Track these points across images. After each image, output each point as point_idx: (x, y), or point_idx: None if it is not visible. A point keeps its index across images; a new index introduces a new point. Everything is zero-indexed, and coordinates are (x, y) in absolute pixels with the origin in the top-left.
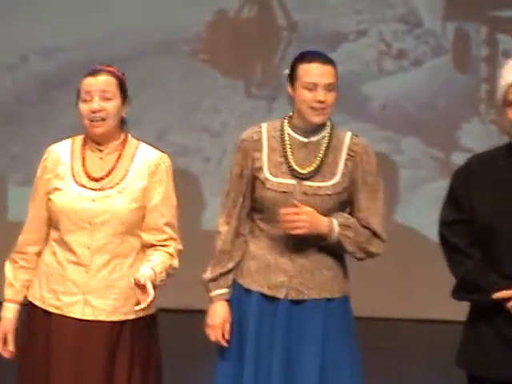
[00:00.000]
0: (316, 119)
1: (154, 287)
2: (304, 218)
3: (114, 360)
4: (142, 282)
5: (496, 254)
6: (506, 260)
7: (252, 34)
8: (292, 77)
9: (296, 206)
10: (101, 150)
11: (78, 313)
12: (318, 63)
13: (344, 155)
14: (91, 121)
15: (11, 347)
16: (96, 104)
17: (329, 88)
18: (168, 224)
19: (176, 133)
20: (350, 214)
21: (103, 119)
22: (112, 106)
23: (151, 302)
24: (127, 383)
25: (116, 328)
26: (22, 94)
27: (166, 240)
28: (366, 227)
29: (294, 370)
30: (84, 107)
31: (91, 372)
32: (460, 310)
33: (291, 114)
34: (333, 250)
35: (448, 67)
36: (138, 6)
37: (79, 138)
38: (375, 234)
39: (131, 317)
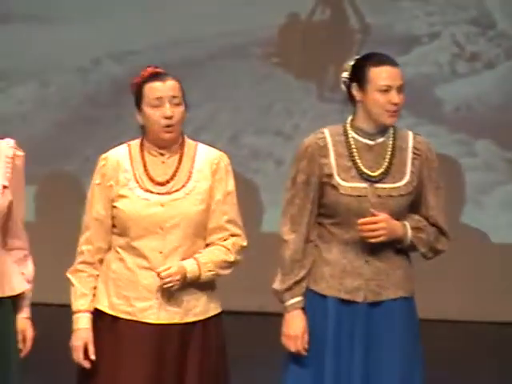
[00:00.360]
0: (389, 121)
1: (199, 278)
2: (382, 226)
3: (186, 360)
4: (159, 270)
5: None
6: None
7: (324, 37)
8: (359, 80)
9: (373, 214)
10: (162, 154)
11: (152, 318)
12: (389, 66)
13: (410, 155)
14: (165, 126)
15: (93, 356)
16: (169, 110)
17: (400, 90)
18: (230, 221)
19: (248, 136)
20: (417, 211)
21: (174, 125)
22: (181, 111)
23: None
24: (199, 382)
25: (188, 329)
26: (94, 97)
27: (227, 237)
28: (433, 225)
29: (375, 370)
30: (155, 113)
31: (167, 374)
32: None
33: (351, 117)
34: (403, 250)
35: None
36: (210, 10)
37: (135, 143)
38: (442, 232)
39: (202, 317)
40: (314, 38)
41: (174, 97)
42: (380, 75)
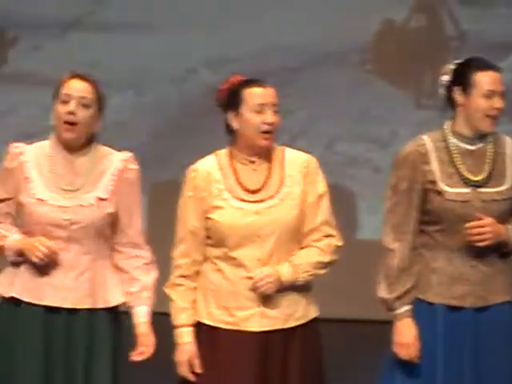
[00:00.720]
0: (490, 127)
1: (296, 280)
2: (489, 230)
3: (288, 364)
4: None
5: None
6: None
7: (420, 44)
8: (463, 83)
9: (480, 218)
10: (253, 162)
11: (255, 326)
12: (493, 71)
13: (510, 159)
14: (264, 132)
15: (198, 370)
16: (270, 117)
17: (502, 95)
18: (324, 222)
19: (344, 143)
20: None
21: (273, 132)
22: (279, 119)
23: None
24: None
25: (289, 334)
26: (190, 105)
27: (321, 238)
28: None
29: (486, 374)
30: (256, 118)
31: (271, 379)
32: None
33: (451, 122)
34: (506, 254)
35: None
36: (305, 17)
37: (223, 153)
38: None
39: (303, 321)
40: (410, 44)
41: (274, 104)
42: (485, 80)
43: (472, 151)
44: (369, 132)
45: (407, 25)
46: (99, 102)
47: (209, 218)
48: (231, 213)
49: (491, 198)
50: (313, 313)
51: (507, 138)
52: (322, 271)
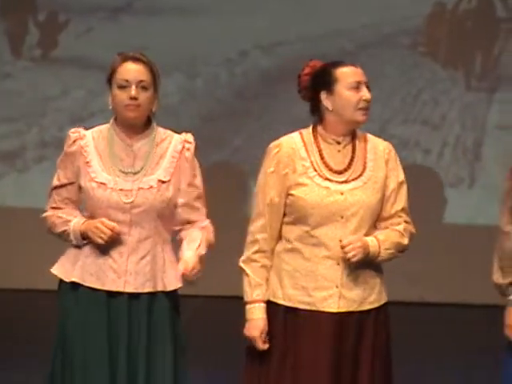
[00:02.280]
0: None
1: (378, 255)
2: None
3: (361, 346)
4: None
5: None
6: None
7: (471, 26)
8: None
9: None
10: (339, 143)
11: (333, 306)
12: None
13: None
14: (361, 109)
15: (266, 345)
16: (367, 93)
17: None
18: (403, 209)
19: (397, 126)
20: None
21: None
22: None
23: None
24: (371, 369)
25: (363, 317)
26: (242, 88)
27: (400, 222)
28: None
29: None
30: (355, 96)
31: (345, 360)
32: None
33: None
34: None
35: None
36: (357, 1)
37: (307, 131)
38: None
39: (376, 305)
40: (461, 27)
41: (366, 82)
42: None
43: None
44: (419, 114)
45: (458, 7)
46: (155, 82)
47: (291, 195)
48: (316, 191)
49: None
50: (385, 297)
51: None
52: (400, 254)
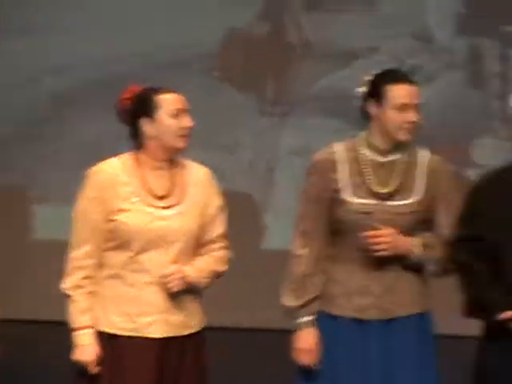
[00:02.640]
0: (404, 138)
1: (198, 283)
2: (386, 240)
3: (181, 371)
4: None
5: (504, 271)
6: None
7: (265, 51)
8: (376, 96)
9: (376, 228)
10: (160, 168)
11: (157, 332)
12: (406, 84)
13: (422, 173)
14: (182, 136)
15: (96, 370)
16: (188, 121)
17: (417, 108)
18: (222, 235)
19: (192, 150)
20: (430, 230)
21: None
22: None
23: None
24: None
25: (185, 341)
26: (35, 112)
27: (218, 249)
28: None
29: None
30: (175, 123)
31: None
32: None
33: (364, 132)
34: (415, 266)
35: (461, 83)
36: (149, 25)
37: (126, 157)
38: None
39: (198, 329)
40: (254, 52)
41: (187, 109)
42: (398, 93)
43: (383, 163)
44: (214, 139)
45: (252, 32)
46: None
47: (114, 220)
48: (139, 216)
49: (396, 211)
50: (203, 321)
51: (422, 151)
52: (215, 280)
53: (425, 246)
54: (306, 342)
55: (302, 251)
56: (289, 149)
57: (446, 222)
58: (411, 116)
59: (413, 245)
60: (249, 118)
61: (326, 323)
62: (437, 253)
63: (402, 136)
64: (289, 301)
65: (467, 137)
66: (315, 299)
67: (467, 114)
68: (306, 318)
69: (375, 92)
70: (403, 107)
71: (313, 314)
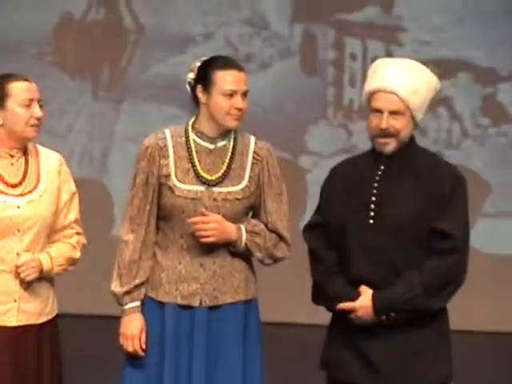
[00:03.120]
0: (233, 124)
1: (51, 271)
2: (212, 226)
3: (42, 359)
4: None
5: (347, 254)
6: (354, 258)
7: (99, 37)
8: (204, 82)
9: (203, 214)
10: (12, 156)
11: (12, 320)
12: (235, 70)
13: (250, 159)
14: (33, 126)
15: None
16: (38, 110)
17: (245, 95)
18: (76, 220)
19: None
20: (257, 217)
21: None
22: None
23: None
24: (52, 380)
25: (42, 329)
26: None
27: (72, 235)
28: (273, 231)
29: (216, 374)
30: (25, 113)
31: (29, 375)
32: None
33: (193, 119)
34: (242, 254)
35: (295, 70)
36: None
37: None
38: (281, 238)
39: (51, 316)
40: (89, 37)
41: (38, 99)
42: (226, 79)
43: (212, 150)
44: (46, 124)
45: (86, 17)
46: None
47: None
48: None
49: (223, 198)
50: (56, 309)
51: (251, 138)
52: (72, 267)
53: (251, 232)
54: (131, 328)
55: (129, 236)
56: (123, 134)
57: (273, 208)
58: (238, 102)
59: (239, 232)
60: (83, 103)
61: (154, 310)
62: (263, 240)
63: (230, 123)
64: (114, 286)
65: (302, 124)
66: (141, 285)
67: (302, 101)
68: (130, 304)
69: (203, 78)
70: (231, 93)
71: (138, 300)
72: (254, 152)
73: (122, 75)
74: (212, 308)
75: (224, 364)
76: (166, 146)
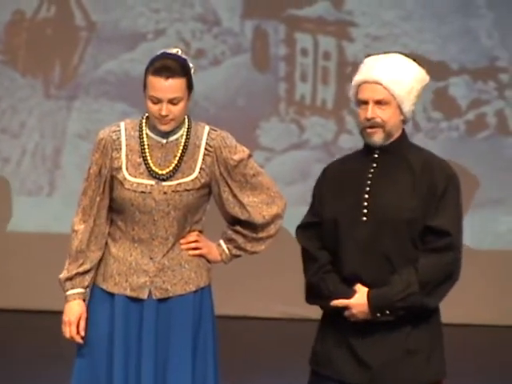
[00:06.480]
0: (163, 128)
1: None
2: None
3: None
4: None
5: (340, 252)
6: (347, 255)
7: (50, 35)
8: (144, 83)
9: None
10: None
11: None
12: (162, 78)
13: (202, 151)
14: None
15: None
16: None
17: (173, 102)
18: None
19: None
20: (233, 214)
21: None
22: None
23: None
24: None
25: None
26: None
27: None
28: (246, 221)
29: (166, 366)
30: None
31: None
32: None
33: (147, 114)
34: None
35: (247, 66)
36: None
37: None
38: (255, 229)
39: None
40: (40, 35)
41: None
42: (153, 85)
43: (164, 144)
44: (0, 123)
45: (37, 15)
46: None
47: None
48: None
49: (173, 190)
50: None
51: (205, 128)
52: None
53: (229, 240)
54: (69, 315)
55: (79, 227)
56: (75, 132)
57: (236, 198)
58: (162, 110)
59: (221, 248)
60: (34, 101)
61: (105, 301)
62: (243, 237)
63: (160, 126)
64: (61, 273)
65: (254, 120)
66: (84, 273)
67: (254, 97)
68: (71, 291)
69: (144, 78)
70: (155, 100)
71: (79, 288)
72: (207, 143)
73: (74, 73)
74: (161, 300)
75: (173, 356)
76: (118, 138)
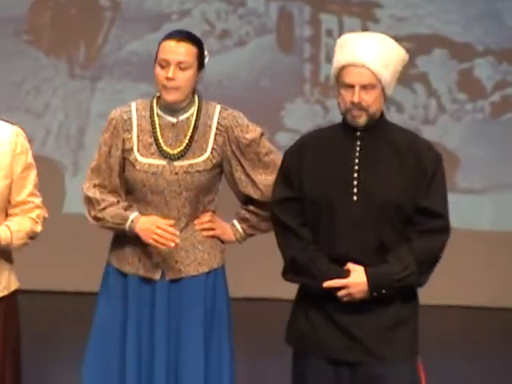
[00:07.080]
0: (169, 98)
1: (11, 245)
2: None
3: None
4: None
5: (329, 231)
6: (338, 235)
7: (75, 14)
8: (156, 55)
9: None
10: None
11: None
12: (174, 40)
13: (214, 130)
14: None
15: None
16: None
17: (181, 66)
18: (33, 194)
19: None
20: (244, 192)
21: None
22: None
23: None
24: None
25: None
26: None
27: (32, 208)
28: (258, 200)
29: (178, 346)
30: None
31: None
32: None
33: (159, 93)
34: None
35: (272, 47)
36: None
37: None
38: (269, 208)
39: (6, 293)
40: (64, 15)
41: None
42: (161, 48)
43: (174, 124)
44: (23, 103)
45: None
46: None
47: None
48: None
49: (184, 171)
50: (14, 284)
51: (217, 107)
52: (31, 241)
53: (243, 220)
54: (149, 223)
55: (90, 191)
56: (99, 112)
57: (249, 176)
58: (168, 72)
59: (235, 228)
60: (58, 81)
61: (117, 279)
62: (257, 217)
63: (165, 95)
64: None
65: (279, 101)
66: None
67: (278, 78)
68: (134, 214)
69: (156, 52)
70: (164, 63)
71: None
72: (218, 123)
73: (98, 53)
74: (173, 281)
75: (185, 337)
76: (130, 118)
